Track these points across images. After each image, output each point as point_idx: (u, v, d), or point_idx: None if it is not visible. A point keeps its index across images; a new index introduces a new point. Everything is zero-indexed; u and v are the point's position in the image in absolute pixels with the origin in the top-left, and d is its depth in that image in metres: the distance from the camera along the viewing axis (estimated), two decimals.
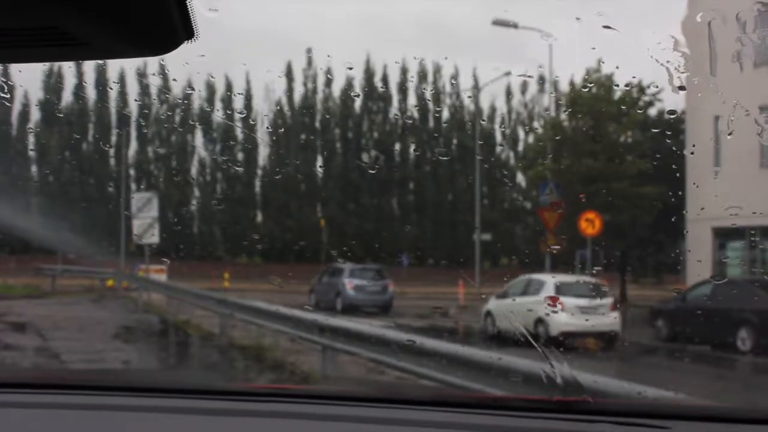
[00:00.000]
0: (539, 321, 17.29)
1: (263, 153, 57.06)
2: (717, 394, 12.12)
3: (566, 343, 16.34)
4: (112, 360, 13.67)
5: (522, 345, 2.62)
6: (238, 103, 56.64)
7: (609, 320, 18.01)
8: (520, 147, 58.07)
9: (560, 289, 18.35)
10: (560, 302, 17.53)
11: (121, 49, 1.17)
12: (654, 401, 4.17)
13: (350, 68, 57.44)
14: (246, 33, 56.02)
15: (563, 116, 31.84)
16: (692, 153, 27.55)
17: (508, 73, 42.84)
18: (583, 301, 17.73)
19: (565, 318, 17.13)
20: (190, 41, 1.15)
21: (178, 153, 56.12)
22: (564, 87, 38.29)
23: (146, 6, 1.06)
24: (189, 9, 1.10)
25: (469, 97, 57.82)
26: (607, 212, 26.09)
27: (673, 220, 30.54)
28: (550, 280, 18.90)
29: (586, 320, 17.25)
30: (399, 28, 71.28)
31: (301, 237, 50.76)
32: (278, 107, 56.69)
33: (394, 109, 58.65)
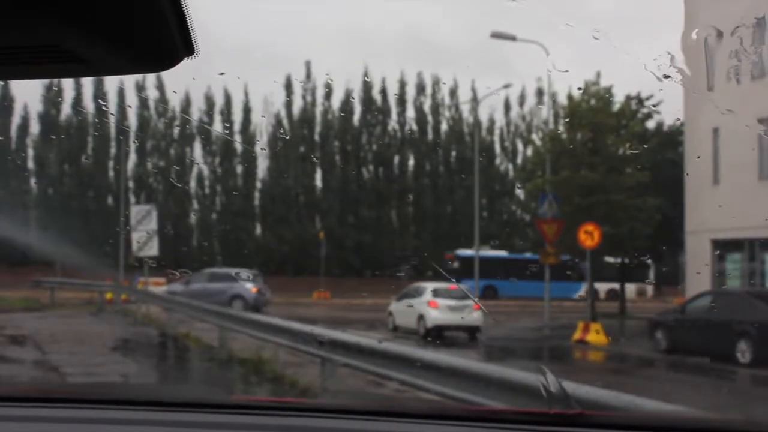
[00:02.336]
0: (420, 317, 22.75)
1: (262, 165, 57.10)
2: (716, 407, 12.10)
3: (440, 334, 22.12)
4: (111, 373, 13.64)
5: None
6: (237, 115, 56.65)
7: (473, 317, 22.31)
8: (519, 159, 58.12)
9: (436, 292, 22.60)
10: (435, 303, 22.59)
11: (121, 66, 1.18)
12: (652, 414, 4.17)
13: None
14: (245, 47, 56.08)
15: (561, 128, 31.85)
16: (691, 166, 27.59)
17: (507, 86, 43.05)
18: (452, 302, 22.32)
19: (437, 314, 22.29)
20: (190, 57, 1.16)
21: (177, 165, 56.08)
22: (562, 99, 38.44)
23: (147, 23, 1.07)
24: (189, 26, 1.10)
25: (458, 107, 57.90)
26: (606, 224, 26.07)
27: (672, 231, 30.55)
28: (429, 286, 23.29)
29: (454, 316, 22.17)
30: (394, 43, 71.47)
31: (300, 249, 50.71)
32: (277, 120, 56.82)
33: (393, 121, 58.68)
